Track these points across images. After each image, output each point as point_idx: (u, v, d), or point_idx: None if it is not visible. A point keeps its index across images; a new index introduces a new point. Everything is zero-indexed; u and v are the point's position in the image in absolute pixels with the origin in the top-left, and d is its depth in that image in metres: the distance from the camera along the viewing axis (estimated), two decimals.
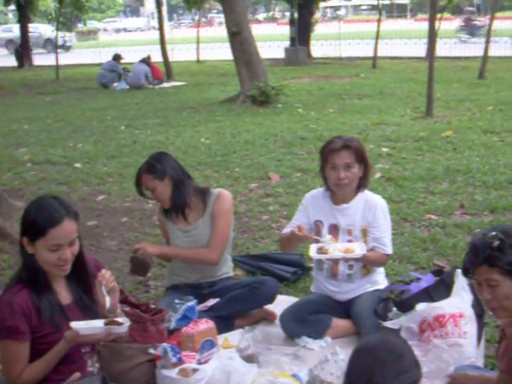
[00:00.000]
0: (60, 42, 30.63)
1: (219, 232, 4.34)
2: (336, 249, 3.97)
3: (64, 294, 3.18)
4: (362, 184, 4.19)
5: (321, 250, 3.99)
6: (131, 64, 20.95)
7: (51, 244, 2.95)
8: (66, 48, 41.12)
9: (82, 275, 3.20)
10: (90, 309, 3.20)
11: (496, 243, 2.63)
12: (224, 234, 4.38)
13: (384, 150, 9.61)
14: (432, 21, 13.02)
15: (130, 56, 21.36)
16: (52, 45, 36.18)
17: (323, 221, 4.21)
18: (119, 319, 3.11)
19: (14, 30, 41.15)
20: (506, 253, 2.62)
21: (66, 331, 3.00)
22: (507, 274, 2.64)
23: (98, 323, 3.05)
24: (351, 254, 3.95)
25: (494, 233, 2.67)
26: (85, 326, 3.00)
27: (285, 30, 30.95)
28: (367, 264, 4.18)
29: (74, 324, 2.99)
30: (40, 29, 43.71)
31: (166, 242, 4.66)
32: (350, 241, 4.13)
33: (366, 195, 4.22)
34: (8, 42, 44.09)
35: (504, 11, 47.97)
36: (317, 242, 4.03)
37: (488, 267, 2.65)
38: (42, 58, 33.71)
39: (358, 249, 3.98)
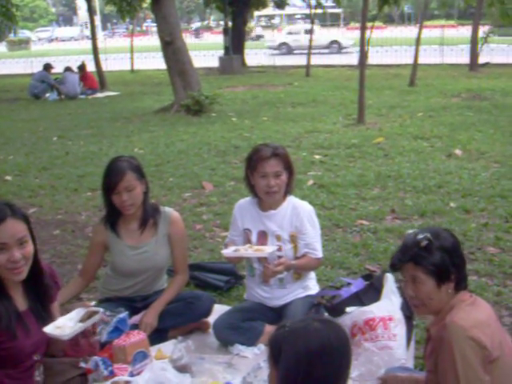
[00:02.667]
0: None
1: (184, 255, 4.45)
2: (249, 249, 4.02)
3: (20, 301, 3.13)
4: (288, 190, 4.22)
5: (237, 250, 4.08)
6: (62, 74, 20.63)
7: None
8: None
9: (38, 282, 3.16)
10: (42, 317, 3.17)
11: (424, 243, 2.74)
12: (186, 256, 4.52)
13: (317, 157, 9.71)
14: (363, 29, 13.22)
15: (63, 66, 20.98)
16: None
17: (251, 228, 4.23)
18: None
19: None
20: (432, 254, 2.73)
21: (21, 338, 2.99)
22: (431, 274, 2.73)
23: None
24: (260, 253, 3.98)
25: (424, 233, 2.77)
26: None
27: (220, 39, 31.02)
28: (299, 270, 4.22)
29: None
30: None
31: (87, 257, 4.48)
32: (278, 246, 4.15)
33: (293, 201, 4.25)
34: None
35: (434, 20, 49.25)
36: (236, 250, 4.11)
37: (414, 265, 2.76)
38: None
39: (269, 248, 4.04)
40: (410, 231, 2.95)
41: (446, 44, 27.77)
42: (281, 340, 2.20)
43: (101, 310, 3.21)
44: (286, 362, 2.16)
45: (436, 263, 2.73)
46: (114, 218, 4.26)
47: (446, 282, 2.76)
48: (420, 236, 2.77)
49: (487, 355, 2.64)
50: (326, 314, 4.14)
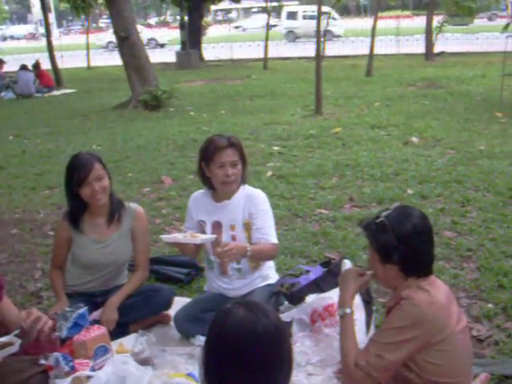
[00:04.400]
0: None
1: (145, 250, 4.42)
2: (188, 236, 4.02)
3: None
4: (242, 180, 4.22)
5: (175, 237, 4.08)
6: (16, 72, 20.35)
7: None
8: None
9: None
10: None
11: (379, 219, 2.82)
12: (148, 251, 4.49)
13: (275, 148, 9.75)
14: (318, 21, 13.27)
15: (17, 64, 20.69)
16: None
17: (206, 220, 4.23)
18: (7, 339, 3.02)
19: None
20: (381, 233, 2.81)
21: None
22: (375, 250, 2.86)
23: None
24: (194, 239, 3.95)
25: (387, 212, 2.85)
26: None
27: (177, 34, 30.90)
28: (255, 255, 4.15)
29: None
30: None
31: (55, 252, 4.44)
32: (233, 236, 4.15)
33: (247, 190, 4.24)
34: None
35: (389, 11, 49.63)
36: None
37: (366, 236, 2.93)
38: None
39: (203, 236, 4.04)
40: (396, 204, 3.05)
41: (401, 34, 28.01)
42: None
43: (18, 341, 3.09)
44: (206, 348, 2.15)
45: (380, 243, 2.82)
46: (78, 212, 4.24)
47: (389, 263, 2.83)
48: (383, 214, 2.85)
49: (430, 334, 2.72)
50: (286, 302, 4.18)
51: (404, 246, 2.79)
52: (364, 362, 2.77)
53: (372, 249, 2.87)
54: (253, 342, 2.09)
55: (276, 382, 2.14)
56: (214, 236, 4.08)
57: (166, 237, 4.06)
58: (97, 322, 4.06)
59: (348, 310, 2.97)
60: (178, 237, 4.03)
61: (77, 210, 4.24)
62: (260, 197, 4.22)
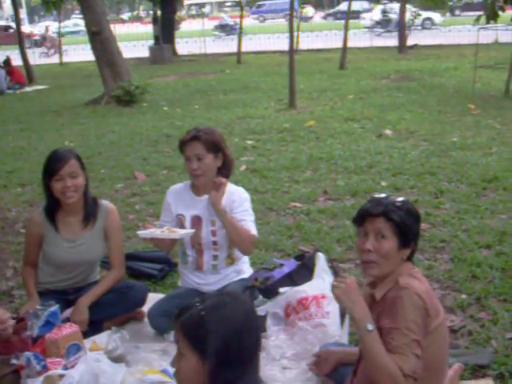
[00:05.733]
0: None
1: (119, 248, 4.35)
2: (165, 231, 3.98)
3: None
4: (223, 174, 4.18)
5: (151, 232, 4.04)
6: None
7: None
8: None
9: None
10: None
11: (398, 203, 2.78)
12: (122, 248, 4.42)
13: (249, 142, 9.73)
14: (291, 16, 13.26)
15: None
16: None
17: (184, 214, 4.19)
18: None
19: None
20: (404, 212, 2.76)
21: None
22: (397, 232, 2.75)
23: None
24: (173, 234, 3.92)
25: (398, 199, 2.82)
26: None
27: (150, 29, 30.76)
28: (233, 234, 4.02)
29: None
30: None
31: (27, 249, 4.37)
32: (213, 231, 4.12)
33: (229, 187, 4.19)
34: None
35: None
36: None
37: (384, 219, 2.76)
38: None
39: (182, 231, 4.00)
40: (378, 195, 2.95)
41: (374, 27, 28.13)
42: (201, 323, 2.11)
43: None
44: (216, 344, 2.08)
45: (405, 223, 2.75)
46: (53, 209, 4.18)
47: (405, 248, 2.79)
48: (391, 200, 2.81)
49: (428, 323, 2.69)
50: (261, 296, 4.17)
51: (418, 227, 2.85)
52: (410, 370, 2.62)
53: (392, 232, 2.76)
54: (239, 330, 2.10)
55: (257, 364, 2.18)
56: (193, 230, 4.05)
57: (142, 232, 4.02)
58: (69, 319, 4.02)
59: (370, 327, 2.64)
60: (155, 232, 3.99)
61: (51, 207, 4.18)
62: (243, 195, 4.19)
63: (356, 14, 38.11)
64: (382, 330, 2.70)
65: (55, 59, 28.70)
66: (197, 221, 4.17)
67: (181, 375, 2.20)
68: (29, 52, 23.43)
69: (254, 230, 4.13)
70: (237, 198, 4.14)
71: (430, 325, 2.71)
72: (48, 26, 41.37)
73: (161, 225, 4.26)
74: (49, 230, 4.19)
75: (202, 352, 2.10)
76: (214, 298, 2.20)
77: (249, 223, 4.12)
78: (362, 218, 2.85)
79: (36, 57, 26.89)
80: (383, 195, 2.89)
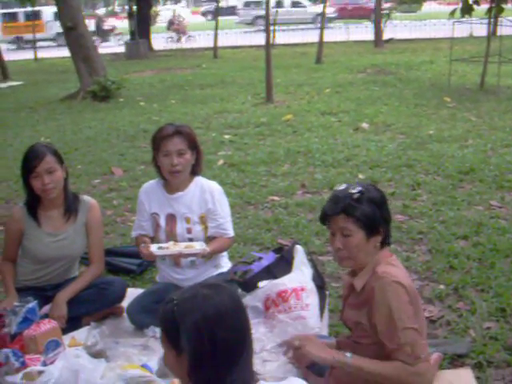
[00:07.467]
0: None
1: (99, 243, 4.34)
2: (176, 246, 3.97)
3: None
4: (195, 170, 4.17)
5: (161, 247, 3.99)
6: None
7: None
8: None
9: None
10: None
11: (356, 195, 2.76)
12: (102, 244, 4.39)
13: (226, 137, 9.72)
14: (267, 10, 13.26)
15: None
16: None
17: (159, 212, 4.17)
18: None
19: None
20: (363, 205, 2.76)
21: None
22: (361, 225, 2.77)
23: None
24: (190, 250, 3.93)
25: (355, 186, 2.81)
26: None
27: (125, 24, 30.62)
28: (215, 254, 4.17)
29: None
30: None
31: (6, 245, 4.30)
32: (188, 229, 4.11)
33: (202, 182, 4.19)
34: None
35: None
36: (160, 248, 4.01)
37: (345, 216, 2.77)
38: None
39: (198, 245, 3.99)
40: (340, 186, 2.94)
41: (351, 22, 28.20)
42: (173, 316, 2.08)
43: None
44: (187, 336, 2.05)
45: (367, 215, 2.76)
46: (33, 204, 4.15)
47: (375, 235, 2.81)
48: (352, 189, 2.80)
49: (415, 303, 2.74)
50: (240, 290, 4.16)
51: (385, 212, 2.85)
52: (422, 353, 2.72)
53: (356, 227, 2.77)
54: (222, 320, 2.07)
55: (247, 364, 2.16)
56: (204, 244, 4.03)
57: (156, 251, 3.95)
58: (48, 316, 3.99)
59: (349, 355, 2.81)
60: (168, 248, 3.96)
61: (31, 203, 4.15)
62: (216, 190, 4.18)
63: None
64: (377, 328, 2.76)
65: (30, 55, 28.40)
66: (171, 219, 4.15)
67: (170, 369, 2.22)
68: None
69: (231, 231, 4.21)
70: (209, 197, 4.14)
71: (416, 305, 2.76)
72: (175, 9, 40.31)
73: (138, 224, 4.26)
74: (30, 226, 4.16)
75: (177, 346, 2.08)
76: (189, 289, 2.18)
77: (226, 224, 4.18)
78: (324, 219, 2.89)
79: (10, 53, 26.51)
80: (341, 188, 2.88)
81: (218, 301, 2.09)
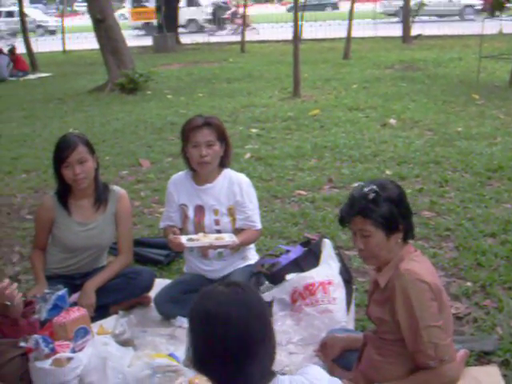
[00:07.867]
0: None
1: (128, 234, 4.39)
2: (207, 238, 4.00)
3: None
4: (224, 163, 4.20)
5: (191, 239, 4.01)
6: None
7: None
8: None
9: None
10: None
11: (371, 196, 2.75)
12: (131, 234, 4.46)
13: (253, 131, 9.74)
14: (296, 4, 13.23)
15: None
16: None
17: (187, 203, 4.20)
18: None
19: None
20: (379, 205, 2.75)
21: None
22: (380, 226, 2.76)
23: None
24: (221, 241, 3.97)
25: (370, 186, 2.79)
26: None
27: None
28: (243, 246, 4.21)
29: None
30: None
31: (37, 233, 4.38)
32: (216, 220, 4.14)
33: (230, 174, 4.22)
34: None
35: None
36: (190, 240, 4.03)
37: (362, 218, 2.77)
38: None
39: (227, 237, 4.02)
40: (356, 184, 2.95)
41: (378, 17, 28.02)
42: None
43: None
44: (189, 323, 2.13)
45: (384, 215, 2.75)
46: (64, 194, 4.20)
47: (395, 233, 2.80)
48: (366, 189, 2.78)
49: (439, 299, 2.74)
50: (267, 282, 4.18)
51: (403, 209, 2.83)
52: (446, 355, 2.73)
53: (374, 227, 2.77)
54: (235, 322, 2.06)
55: (261, 361, 2.13)
56: (233, 235, 4.07)
57: (186, 243, 3.99)
58: (76, 304, 4.03)
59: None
60: (199, 240, 4.00)
61: (62, 192, 4.20)
62: (244, 182, 4.21)
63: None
64: (395, 315, 2.76)
65: (58, 47, 28.59)
66: (200, 210, 4.19)
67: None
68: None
69: (258, 224, 4.25)
70: (237, 189, 4.16)
71: (441, 300, 2.76)
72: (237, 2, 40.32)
73: (167, 215, 4.30)
74: (61, 214, 4.22)
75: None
76: (210, 286, 2.21)
77: (254, 217, 4.22)
78: (343, 222, 2.90)
79: (39, 44, 26.67)
80: (357, 187, 2.87)
81: (223, 298, 2.11)
